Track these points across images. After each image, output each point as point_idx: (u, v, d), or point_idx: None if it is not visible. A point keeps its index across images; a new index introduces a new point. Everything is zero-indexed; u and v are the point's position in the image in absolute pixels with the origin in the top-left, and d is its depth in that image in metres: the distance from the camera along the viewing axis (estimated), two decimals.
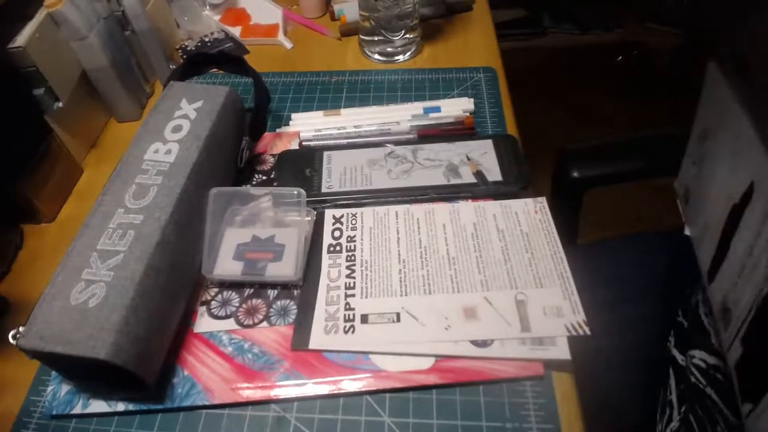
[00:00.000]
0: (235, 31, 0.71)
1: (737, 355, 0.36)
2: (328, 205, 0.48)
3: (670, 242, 0.68)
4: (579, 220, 0.66)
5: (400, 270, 0.43)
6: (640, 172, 0.65)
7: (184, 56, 0.69)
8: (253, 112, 0.53)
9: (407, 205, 0.47)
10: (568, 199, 0.65)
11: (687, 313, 0.52)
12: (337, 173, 0.50)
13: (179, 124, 0.46)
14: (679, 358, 0.50)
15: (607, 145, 0.67)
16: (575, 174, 0.62)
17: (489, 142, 0.51)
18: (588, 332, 0.37)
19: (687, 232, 0.46)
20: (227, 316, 0.42)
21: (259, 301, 0.43)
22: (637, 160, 0.64)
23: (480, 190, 0.48)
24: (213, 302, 0.43)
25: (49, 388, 0.39)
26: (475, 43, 0.67)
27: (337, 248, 0.45)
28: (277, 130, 0.57)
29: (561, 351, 0.37)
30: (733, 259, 0.38)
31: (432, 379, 0.37)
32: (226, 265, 0.44)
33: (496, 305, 0.40)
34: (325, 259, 0.44)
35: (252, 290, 0.43)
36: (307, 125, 0.56)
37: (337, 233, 0.46)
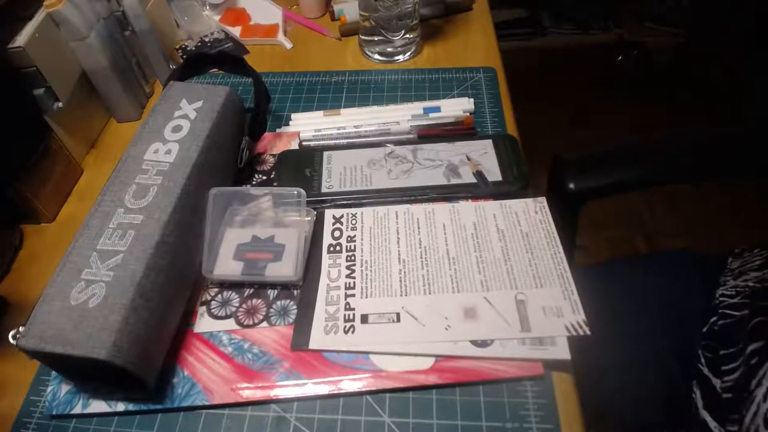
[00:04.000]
0: (235, 31, 0.71)
1: None
2: (328, 205, 0.48)
3: (673, 263, 0.67)
4: (576, 229, 0.63)
5: (400, 270, 0.43)
6: (639, 182, 0.62)
7: (184, 56, 0.69)
8: (253, 112, 0.53)
9: (407, 205, 0.47)
10: (566, 210, 0.62)
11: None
12: (337, 173, 0.50)
13: (179, 124, 0.46)
14: (714, 381, 0.49)
15: (605, 154, 0.63)
16: (571, 186, 0.58)
17: (489, 142, 0.51)
18: (588, 332, 0.37)
19: None
20: (227, 316, 0.42)
21: (259, 301, 0.43)
22: (637, 170, 0.60)
23: (480, 190, 0.48)
24: (213, 302, 0.43)
25: (49, 388, 0.39)
26: (475, 43, 0.67)
27: (337, 248, 0.45)
28: (277, 130, 0.56)
29: (561, 351, 0.37)
30: None
31: (432, 379, 0.37)
32: (226, 265, 0.44)
33: (496, 305, 0.40)
34: (325, 259, 0.44)
35: (252, 290, 0.43)
36: (307, 125, 0.56)
37: (337, 233, 0.46)
